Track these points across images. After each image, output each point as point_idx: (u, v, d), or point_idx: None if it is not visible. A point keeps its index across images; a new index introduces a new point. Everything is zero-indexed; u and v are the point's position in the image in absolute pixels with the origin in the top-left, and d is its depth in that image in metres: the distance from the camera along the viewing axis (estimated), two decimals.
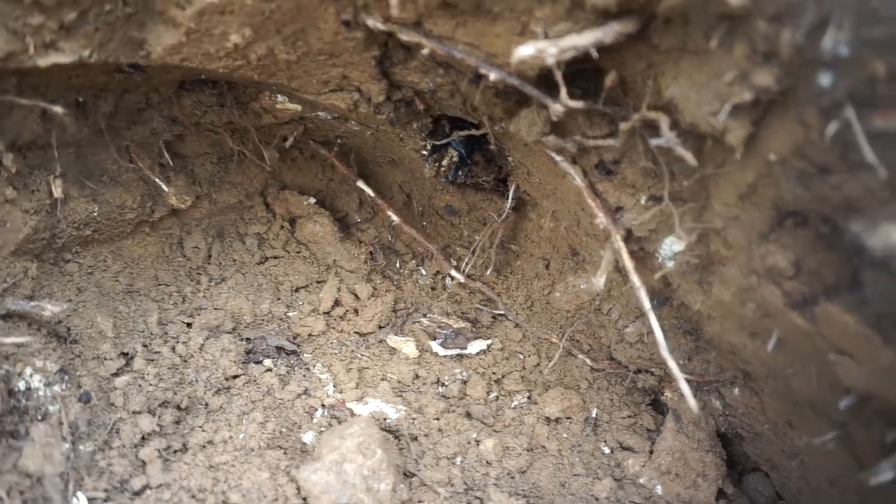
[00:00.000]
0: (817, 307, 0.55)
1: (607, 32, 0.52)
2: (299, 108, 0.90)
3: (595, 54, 0.53)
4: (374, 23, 0.60)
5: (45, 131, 0.69)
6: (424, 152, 0.92)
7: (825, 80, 0.44)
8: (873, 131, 0.44)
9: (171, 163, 0.89)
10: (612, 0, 0.50)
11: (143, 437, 0.72)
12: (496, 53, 0.61)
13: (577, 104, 0.58)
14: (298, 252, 1.07)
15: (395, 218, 1.06)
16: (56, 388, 0.68)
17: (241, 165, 1.04)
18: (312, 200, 1.08)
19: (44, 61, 0.54)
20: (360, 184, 1.06)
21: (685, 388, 0.66)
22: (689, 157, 0.56)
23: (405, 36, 0.61)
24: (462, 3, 0.56)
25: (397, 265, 1.12)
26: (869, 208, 0.47)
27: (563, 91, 0.57)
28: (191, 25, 0.59)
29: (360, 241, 1.10)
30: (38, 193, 0.71)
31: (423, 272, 1.13)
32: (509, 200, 0.97)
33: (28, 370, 0.66)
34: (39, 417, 0.65)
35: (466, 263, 1.06)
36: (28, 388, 0.65)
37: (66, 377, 0.70)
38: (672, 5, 0.49)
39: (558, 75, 0.56)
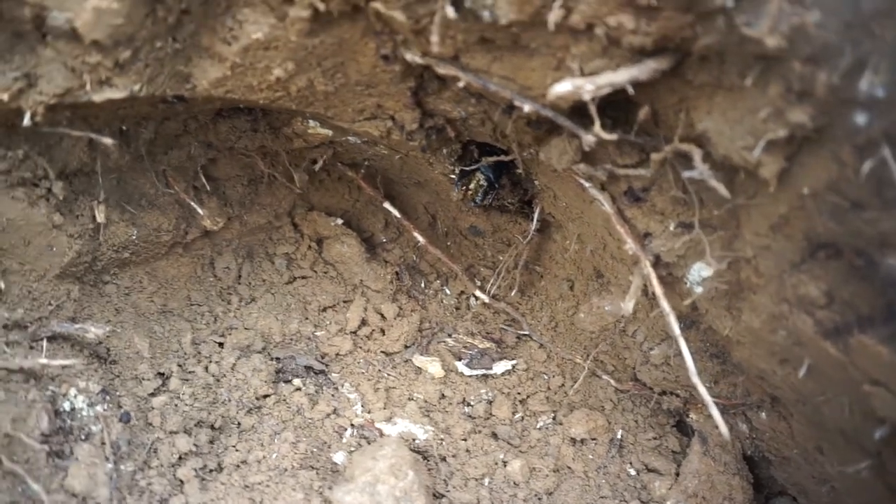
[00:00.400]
0: (851, 337, 0.55)
1: (643, 70, 0.54)
2: (330, 132, 0.92)
3: (631, 90, 0.55)
4: (412, 57, 0.62)
5: (91, 159, 0.72)
6: (453, 176, 0.94)
7: (861, 119, 0.45)
8: None
9: (206, 186, 0.92)
10: (648, 39, 0.52)
11: (180, 457, 0.74)
12: (531, 86, 0.62)
13: (610, 136, 0.59)
14: (326, 272, 1.09)
15: (420, 239, 1.08)
16: (98, 408, 0.70)
17: (270, 187, 1.06)
18: (340, 221, 1.10)
19: (98, 97, 0.57)
20: (387, 205, 1.08)
21: (716, 413, 0.67)
22: (723, 190, 0.57)
23: (442, 69, 0.62)
24: (499, 40, 0.58)
25: (422, 285, 1.13)
26: None
27: (597, 124, 0.59)
28: (236, 60, 0.61)
29: (386, 262, 1.12)
30: (82, 218, 0.73)
31: (448, 292, 1.14)
32: (534, 223, 0.98)
33: (72, 391, 0.68)
34: (83, 437, 0.67)
35: (492, 284, 1.07)
36: (72, 409, 0.67)
37: (108, 397, 0.72)
38: (708, 44, 0.51)
39: (593, 109, 0.57)
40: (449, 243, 1.18)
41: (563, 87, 0.54)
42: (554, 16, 0.52)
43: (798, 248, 0.58)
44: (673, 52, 0.54)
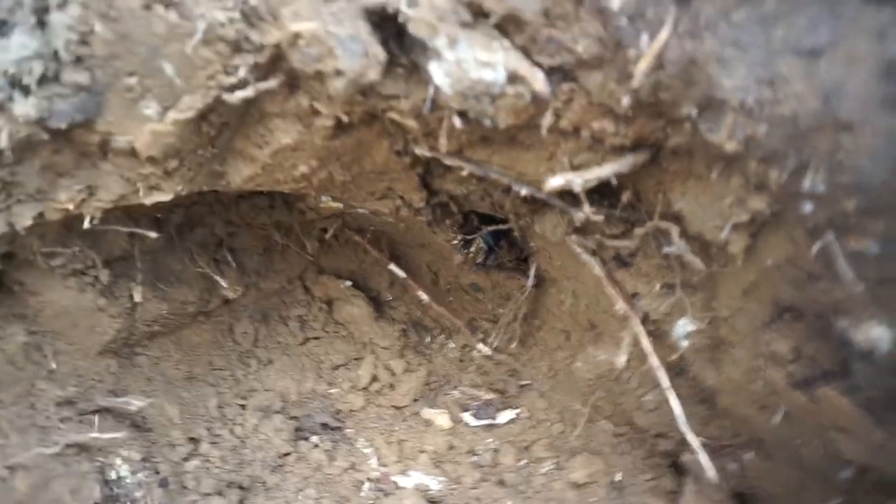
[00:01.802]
0: (817, 389, 0.63)
1: (623, 164, 0.62)
2: (341, 205, 1.00)
3: (615, 181, 0.63)
4: (421, 152, 0.70)
5: (130, 246, 0.79)
6: (455, 242, 1.02)
7: (808, 208, 0.54)
8: (850, 250, 0.53)
9: (227, 259, 0.99)
10: (626, 140, 0.60)
11: None
12: (526, 173, 0.71)
13: (598, 217, 0.68)
14: (337, 332, 1.15)
15: (424, 297, 1.15)
16: (140, 475, 0.76)
17: (283, 255, 1.13)
18: (349, 283, 1.17)
19: (148, 200, 0.64)
20: (392, 266, 1.16)
21: (703, 458, 0.74)
22: (698, 263, 0.65)
23: (448, 161, 0.71)
24: (498, 138, 0.67)
25: (428, 340, 1.20)
26: (853, 309, 0.56)
27: (586, 206, 0.67)
28: (266, 161, 0.69)
29: (393, 319, 1.19)
30: (121, 299, 0.80)
31: (452, 345, 1.21)
32: (531, 279, 1.06)
33: (118, 460, 0.74)
34: (129, 503, 0.72)
35: (493, 337, 1.14)
36: (118, 477, 0.73)
37: (147, 464, 0.78)
38: (677, 143, 0.59)
39: (582, 196, 0.66)
40: (451, 299, 1.25)
41: (556, 182, 0.63)
42: (546, 122, 0.61)
43: (767, 310, 0.66)
44: (649, 147, 0.63)
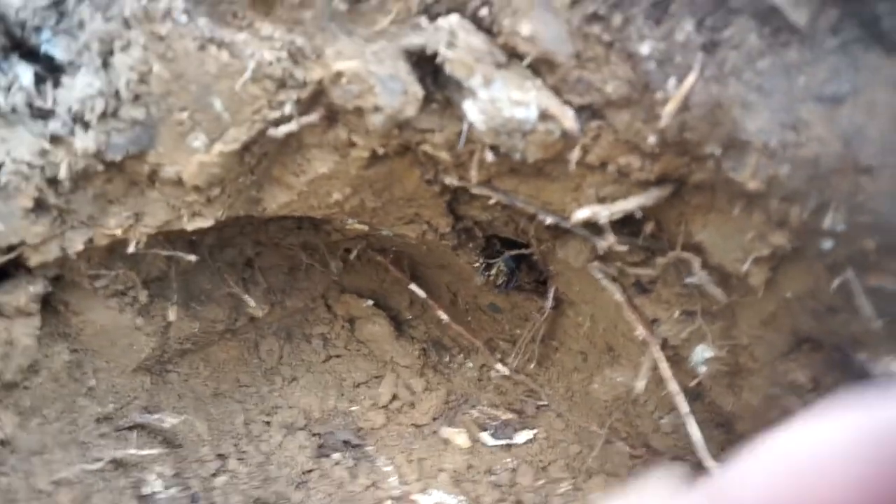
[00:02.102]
0: None
1: (648, 197, 0.65)
2: (366, 227, 1.03)
3: (639, 214, 0.66)
4: (451, 181, 0.73)
5: (167, 267, 0.82)
6: (476, 265, 1.04)
7: (828, 245, 0.56)
8: (869, 286, 0.55)
9: (255, 279, 1.02)
10: (651, 175, 0.63)
11: None
12: (552, 203, 0.73)
13: (622, 247, 0.70)
14: (359, 350, 1.18)
15: (444, 317, 1.17)
16: (172, 490, 0.78)
17: (308, 273, 1.16)
18: (371, 303, 1.20)
19: (191, 226, 0.67)
20: (413, 287, 1.18)
21: None
22: (719, 294, 0.67)
23: (476, 190, 0.74)
24: (526, 170, 0.69)
25: (447, 359, 1.22)
26: (871, 343, 0.58)
27: (611, 237, 0.69)
28: (303, 188, 0.72)
29: (413, 338, 1.21)
30: (156, 318, 0.83)
31: (470, 365, 1.23)
32: (549, 301, 1.08)
33: (152, 476, 0.76)
34: None
35: (512, 358, 1.16)
36: (152, 493, 0.75)
37: (179, 480, 0.80)
38: (701, 179, 0.62)
39: (607, 227, 0.68)
40: (469, 319, 1.27)
41: (583, 213, 0.65)
42: (574, 156, 0.63)
43: (786, 341, 0.68)
44: (673, 182, 0.65)
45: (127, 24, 0.54)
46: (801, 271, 0.60)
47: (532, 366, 1.17)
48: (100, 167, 0.58)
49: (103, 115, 0.55)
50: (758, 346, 0.72)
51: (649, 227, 0.71)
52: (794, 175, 0.54)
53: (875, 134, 0.50)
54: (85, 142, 0.55)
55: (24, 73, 0.51)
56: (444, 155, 0.67)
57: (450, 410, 1.14)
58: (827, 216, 0.54)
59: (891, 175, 0.50)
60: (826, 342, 0.63)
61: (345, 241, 1.10)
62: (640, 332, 0.84)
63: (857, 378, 0.61)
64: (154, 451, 0.74)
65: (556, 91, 0.60)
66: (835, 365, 0.63)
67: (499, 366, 1.17)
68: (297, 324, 1.16)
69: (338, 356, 1.16)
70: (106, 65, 0.53)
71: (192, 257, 0.73)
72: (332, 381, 1.12)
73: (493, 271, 1.05)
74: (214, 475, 0.87)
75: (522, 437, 1.11)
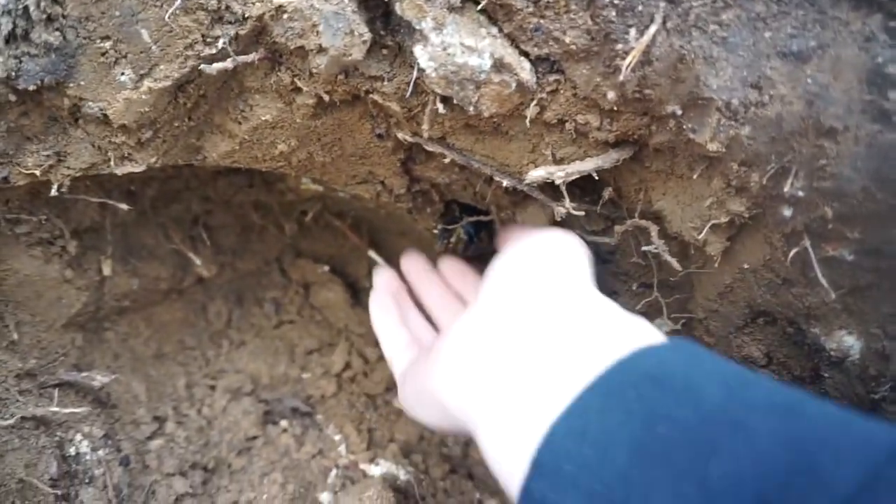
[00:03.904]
0: None
1: (606, 159, 0.62)
2: (321, 188, 0.99)
3: (596, 176, 0.63)
4: (403, 136, 0.69)
5: (101, 217, 0.77)
6: (435, 231, 1.01)
7: (787, 212, 0.54)
8: (825, 256, 0.53)
9: (203, 237, 0.97)
10: (611, 135, 0.60)
11: (176, 499, 0.78)
12: (509, 164, 0.70)
13: (578, 212, 0.67)
14: (312, 317, 1.14)
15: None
16: (100, 452, 0.74)
17: (261, 235, 1.12)
18: (326, 269, 1.16)
19: (120, 170, 0.63)
20: (372, 253, 1.15)
21: None
22: (675, 264, 0.65)
23: (430, 147, 0.70)
24: (482, 126, 0.66)
25: None
26: (825, 317, 0.56)
27: (567, 201, 0.66)
28: (244, 137, 0.67)
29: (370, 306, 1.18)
30: (89, 272, 0.78)
31: None
32: None
33: (78, 436, 0.72)
34: (87, 481, 0.71)
35: None
36: (77, 454, 0.71)
37: (109, 442, 0.76)
38: (661, 141, 0.59)
39: (563, 189, 0.65)
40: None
41: (537, 174, 0.62)
42: (530, 113, 0.60)
43: (741, 314, 0.66)
44: (632, 144, 0.62)
45: None
46: (759, 241, 0.58)
47: None
48: (12, 97, 0.53)
49: (12, 37, 0.49)
50: (714, 319, 0.70)
51: (608, 193, 0.68)
52: (756, 137, 0.51)
53: (839, 95, 0.47)
54: None
55: None
56: (394, 106, 0.63)
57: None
58: (787, 181, 0.52)
59: (854, 138, 0.47)
60: (781, 316, 0.61)
61: (300, 203, 1.05)
62: None
63: (809, 354, 0.60)
64: (79, 410, 0.70)
65: (513, 40, 0.56)
66: (789, 339, 0.62)
67: None
68: (248, 287, 1.12)
69: (290, 322, 1.12)
70: None
71: (125, 206, 0.68)
72: (282, 348, 1.09)
73: (453, 238, 1.02)
74: (150, 438, 0.83)
75: None
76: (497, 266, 0.64)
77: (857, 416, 0.35)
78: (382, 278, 0.90)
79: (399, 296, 0.88)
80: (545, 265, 0.62)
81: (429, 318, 0.89)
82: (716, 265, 0.63)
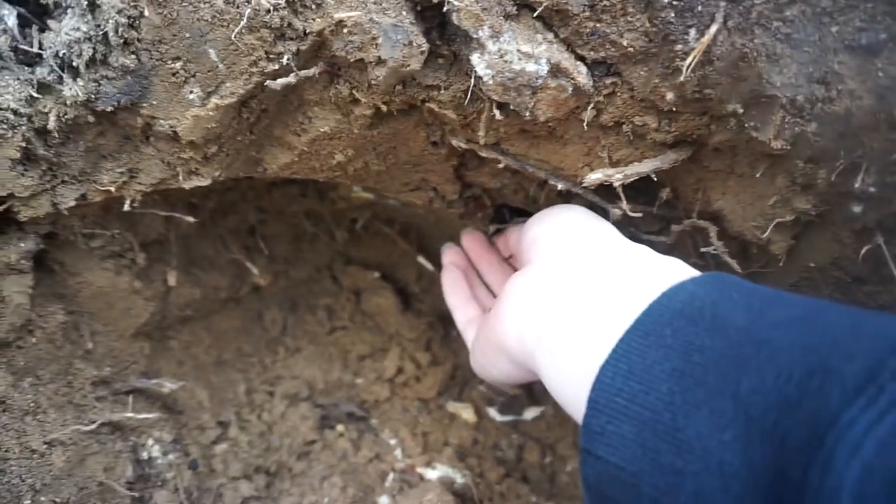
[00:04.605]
0: None
1: (664, 160, 0.61)
2: (372, 196, 1.00)
3: (653, 177, 0.62)
4: (458, 143, 0.70)
5: (166, 230, 0.80)
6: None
7: (857, 209, 0.53)
8: None
9: (259, 246, 1.00)
10: (669, 136, 0.60)
11: (242, 501, 0.80)
12: (564, 168, 0.70)
13: (636, 214, 0.67)
14: (363, 322, 1.16)
15: None
16: (171, 456, 0.77)
17: (312, 243, 1.14)
18: (377, 275, 1.17)
19: (187, 184, 0.65)
20: (421, 259, 1.16)
21: None
22: (734, 265, 0.64)
23: (485, 153, 0.70)
24: (537, 131, 0.66)
25: (454, 333, 1.20)
26: None
27: (624, 203, 0.66)
28: (304, 149, 0.69)
29: (420, 312, 1.19)
30: (155, 283, 0.81)
31: None
32: None
33: (150, 441, 0.75)
34: (160, 484, 0.73)
35: None
36: (150, 458, 0.74)
37: (178, 446, 0.79)
38: (721, 140, 0.58)
39: (620, 192, 0.65)
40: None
41: (595, 177, 0.62)
42: (587, 116, 0.60)
43: None
44: (690, 144, 0.62)
45: None
46: (827, 238, 0.57)
47: None
48: (91, 118, 0.56)
49: (92, 62, 0.52)
50: None
51: (665, 194, 0.68)
52: (823, 133, 0.50)
53: None
54: (74, 90, 0.52)
55: (9, 14, 0.49)
56: (450, 114, 0.64)
57: (456, 385, 1.12)
58: (857, 177, 0.50)
59: None
60: None
61: (350, 211, 1.07)
62: None
63: None
64: (152, 416, 0.73)
65: (569, 45, 0.57)
66: None
67: None
68: (301, 294, 1.14)
69: (343, 328, 1.14)
70: (93, 7, 0.50)
71: (191, 219, 0.70)
72: (336, 354, 1.10)
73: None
74: (215, 443, 0.86)
75: (530, 413, 1.09)
76: (536, 232, 0.68)
77: (868, 316, 0.39)
78: (451, 255, 0.95)
79: (467, 271, 0.93)
80: (580, 226, 0.67)
81: (491, 290, 0.93)
82: (780, 264, 0.62)
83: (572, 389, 0.49)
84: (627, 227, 0.80)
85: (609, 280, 0.53)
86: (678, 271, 0.52)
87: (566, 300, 0.55)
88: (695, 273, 0.51)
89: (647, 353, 0.43)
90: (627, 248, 0.59)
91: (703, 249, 0.66)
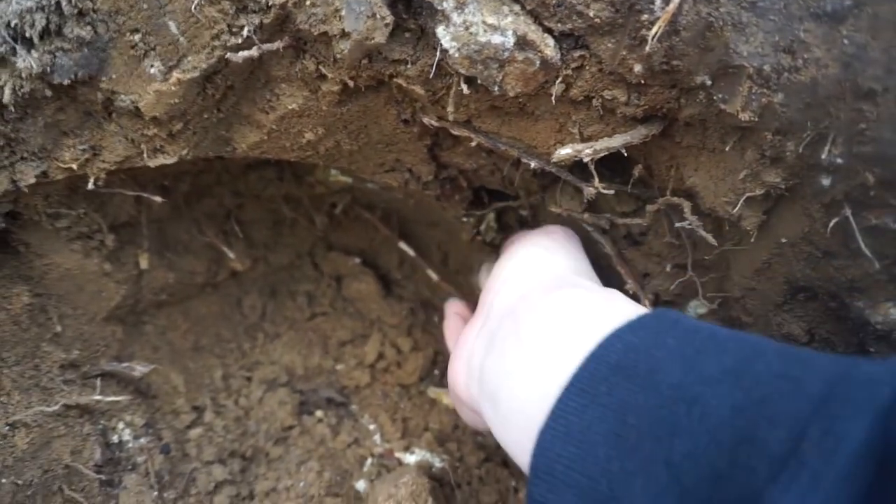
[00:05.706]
0: None
1: (634, 135, 0.61)
2: (350, 180, 0.99)
3: (624, 153, 0.62)
4: (429, 121, 0.69)
5: (137, 212, 0.79)
6: (464, 220, 1.00)
7: (825, 181, 0.52)
8: (868, 225, 0.51)
9: (235, 231, 0.99)
10: (639, 109, 0.59)
11: (216, 485, 0.79)
12: (536, 146, 0.69)
13: (608, 191, 0.66)
14: (344, 309, 1.15)
15: (434, 276, 1.14)
16: (142, 440, 0.76)
17: (292, 229, 1.13)
18: (358, 261, 1.17)
19: (153, 163, 0.64)
20: (402, 245, 1.15)
21: None
22: (710, 239, 0.63)
23: (456, 131, 0.70)
24: (507, 107, 0.65)
25: (435, 319, 1.19)
26: (870, 289, 0.54)
27: (596, 180, 0.66)
28: (273, 127, 0.68)
29: (402, 298, 1.18)
30: (127, 266, 0.80)
31: None
32: None
33: (120, 424, 0.74)
34: (130, 468, 0.73)
35: None
36: (120, 441, 0.73)
37: (150, 430, 0.78)
38: (690, 114, 0.58)
39: (592, 168, 0.64)
40: (460, 279, 1.24)
41: (565, 152, 0.61)
42: (556, 90, 0.59)
43: (780, 290, 0.64)
44: (661, 119, 0.61)
45: None
46: (797, 213, 0.56)
47: None
48: (48, 92, 0.55)
49: (46, 33, 0.51)
50: (751, 298, 0.68)
51: (638, 172, 0.67)
52: (790, 103, 0.50)
53: (878, 54, 0.45)
54: (28, 62, 0.51)
55: None
56: (418, 89, 0.63)
57: (437, 371, 1.11)
58: (825, 148, 0.50)
59: (895, 99, 0.45)
60: (822, 290, 0.59)
61: (330, 195, 1.06)
62: (631, 285, 0.80)
63: (854, 328, 0.58)
64: (121, 399, 0.72)
65: (536, 16, 0.56)
66: (831, 315, 0.60)
67: None
68: (281, 280, 1.13)
69: (323, 314, 1.13)
70: None
71: (159, 199, 0.69)
72: (316, 339, 1.10)
73: (483, 227, 1.01)
74: (189, 427, 0.85)
75: None
76: (486, 278, 0.71)
77: (799, 361, 0.38)
78: (454, 307, 0.99)
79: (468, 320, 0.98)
80: (529, 269, 0.69)
81: None
82: (752, 241, 0.62)
83: (515, 445, 0.50)
84: (603, 210, 0.80)
85: (547, 331, 0.53)
86: (618, 312, 0.51)
87: (505, 352, 0.55)
88: (635, 312, 0.50)
89: (584, 412, 0.42)
90: (567, 293, 0.59)
91: (677, 224, 0.65)
